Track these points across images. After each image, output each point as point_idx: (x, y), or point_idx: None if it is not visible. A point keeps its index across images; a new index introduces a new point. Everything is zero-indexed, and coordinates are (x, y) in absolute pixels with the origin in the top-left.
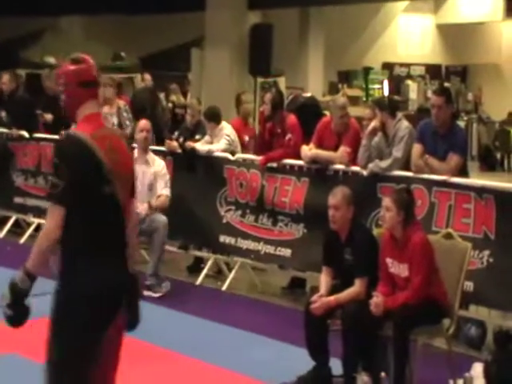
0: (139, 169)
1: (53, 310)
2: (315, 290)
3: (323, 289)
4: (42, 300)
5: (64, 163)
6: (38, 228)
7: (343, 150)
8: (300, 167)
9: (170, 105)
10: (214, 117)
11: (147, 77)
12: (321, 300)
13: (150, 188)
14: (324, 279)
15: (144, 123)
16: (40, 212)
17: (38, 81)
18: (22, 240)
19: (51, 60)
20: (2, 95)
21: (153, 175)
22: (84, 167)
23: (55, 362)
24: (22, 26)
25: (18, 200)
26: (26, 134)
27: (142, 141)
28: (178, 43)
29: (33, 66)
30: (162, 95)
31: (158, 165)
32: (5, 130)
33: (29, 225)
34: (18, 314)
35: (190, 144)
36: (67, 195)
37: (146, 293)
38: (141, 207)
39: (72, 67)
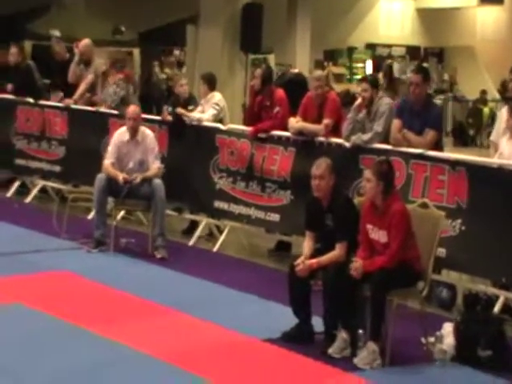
0: (130, 149)
1: None
2: (298, 257)
3: (306, 252)
4: (44, 255)
5: None
6: (43, 189)
7: (324, 122)
8: (287, 138)
9: (165, 76)
10: (210, 80)
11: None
12: (304, 262)
13: (140, 164)
14: (307, 243)
15: (132, 111)
16: (44, 174)
17: (43, 52)
18: (28, 199)
19: (56, 33)
20: (8, 66)
21: (142, 153)
22: None
23: None
24: (29, 1)
25: (19, 162)
26: (31, 100)
27: (130, 128)
28: (174, 20)
29: (39, 37)
30: (157, 69)
31: (147, 139)
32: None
33: (34, 185)
34: None
35: (179, 110)
36: None
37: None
38: (135, 175)
39: None
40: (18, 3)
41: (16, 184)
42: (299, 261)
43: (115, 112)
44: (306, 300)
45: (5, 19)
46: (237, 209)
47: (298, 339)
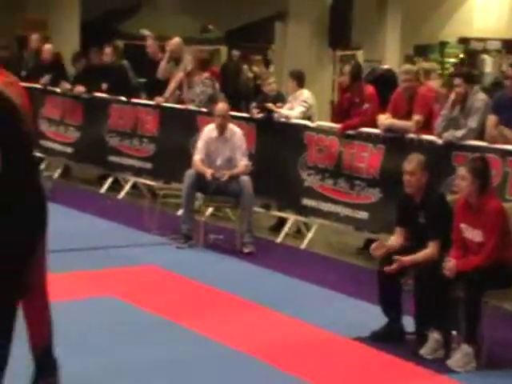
0: (218, 145)
1: None
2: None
3: (392, 245)
4: (135, 250)
5: None
6: (135, 186)
7: (415, 119)
8: (376, 135)
9: (252, 75)
10: (299, 77)
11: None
12: (399, 259)
13: (228, 161)
14: (395, 239)
15: (220, 108)
16: (135, 171)
17: (134, 51)
18: (121, 195)
19: (146, 32)
20: (103, 66)
21: (231, 150)
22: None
23: None
24: (121, 1)
25: (112, 159)
26: (123, 98)
27: (218, 125)
28: (262, 17)
29: (130, 37)
30: (245, 66)
31: (235, 136)
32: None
33: (126, 182)
34: None
35: (269, 105)
36: None
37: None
38: (223, 172)
39: None
40: (110, 4)
41: (109, 180)
42: (376, 245)
43: (204, 110)
44: (397, 298)
45: (97, 20)
46: (325, 206)
47: (388, 339)
